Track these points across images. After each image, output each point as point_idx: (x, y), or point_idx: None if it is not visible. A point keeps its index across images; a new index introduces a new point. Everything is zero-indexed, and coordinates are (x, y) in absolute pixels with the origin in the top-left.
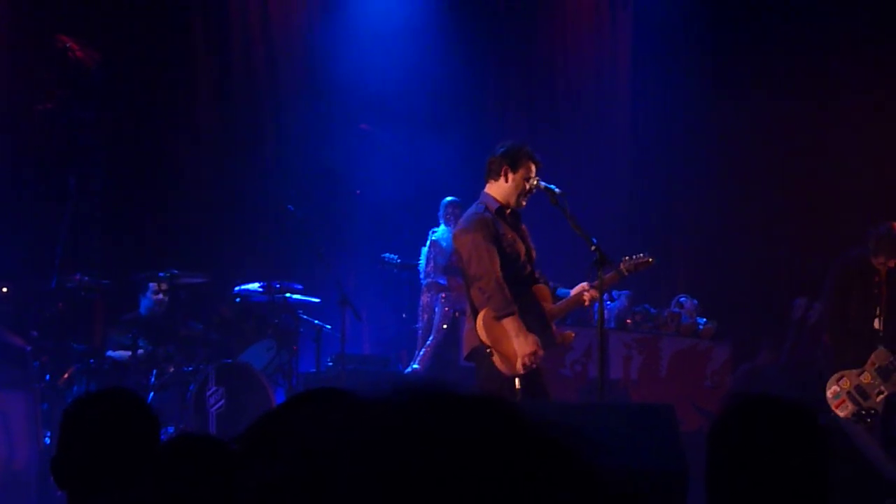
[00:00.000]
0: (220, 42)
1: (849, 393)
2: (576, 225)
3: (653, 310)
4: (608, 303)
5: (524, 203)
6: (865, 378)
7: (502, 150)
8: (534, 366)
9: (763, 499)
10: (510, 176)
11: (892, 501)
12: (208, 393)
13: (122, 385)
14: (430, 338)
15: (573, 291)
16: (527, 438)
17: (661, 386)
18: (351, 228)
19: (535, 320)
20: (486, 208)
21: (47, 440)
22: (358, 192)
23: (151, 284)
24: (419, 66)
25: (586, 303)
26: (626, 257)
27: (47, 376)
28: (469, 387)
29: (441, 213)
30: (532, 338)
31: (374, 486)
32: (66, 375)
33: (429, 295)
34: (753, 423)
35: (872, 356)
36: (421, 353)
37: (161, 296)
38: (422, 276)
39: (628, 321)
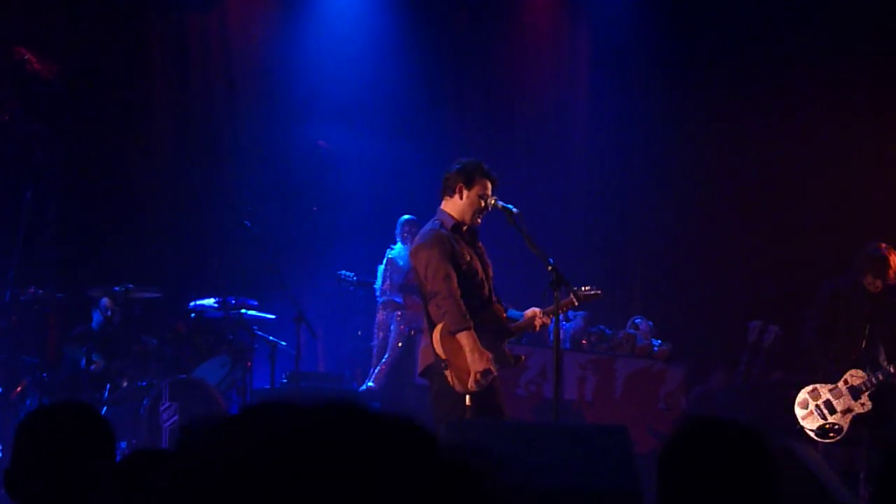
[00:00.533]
0: (177, 57)
1: (817, 406)
2: (532, 244)
3: (608, 331)
4: (564, 323)
5: (479, 220)
6: (836, 394)
7: (458, 166)
8: (486, 383)
9: None
10: (465, 193)
11: None
12: (162, 408)
13: (75, 399)
14: (386, 356)
15: (525, 315)
16: (435, 460)
17: (616, 407)
18: (307, 245)
19: (490, 339)
20: (442, 225)
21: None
22: (315, 208)
23: (104, 299)
24: (377, 84)
25: (537, 328)
26: (576, 288)
27: (0, 389)
28: (404, 409)
29: (398, 231)
30: (486, 355)
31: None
32: (18, 388)
33: (385, 313)
34: (703, 446)
35: (847, 374)
36: (376, 370)
37: (116, 311)
38: (378, 294)
39: (584, 342)
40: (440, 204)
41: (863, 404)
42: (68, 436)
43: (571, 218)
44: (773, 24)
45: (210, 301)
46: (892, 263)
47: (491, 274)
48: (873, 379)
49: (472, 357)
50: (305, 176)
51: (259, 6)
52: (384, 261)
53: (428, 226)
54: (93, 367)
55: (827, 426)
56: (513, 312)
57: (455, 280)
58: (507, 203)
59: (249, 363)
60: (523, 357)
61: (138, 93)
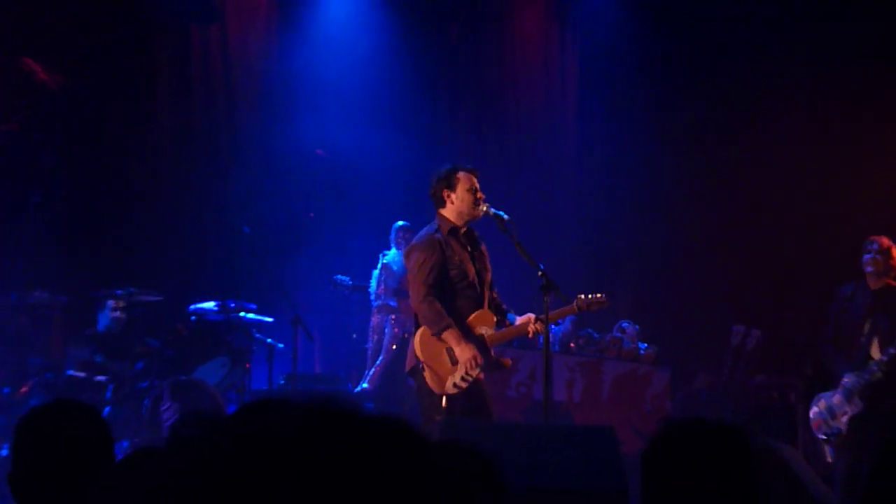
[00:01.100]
0: (179, 67)
1: (819, 414)
2: (523, 251)
3: (596, 334)
4: (553, 327)
5: (483, 209)
6: (837, 399)
7: (435, 177)
8: (472, 376)
9: None
10: (453, 196)
11: None
12: (163, 408)
13: (72, 398)
14: (380, 358)
15: (519, 321)
16: (426, 460)
17: (603, 409)
18: (304, 251)
19: (477, 341)
20: (439, 229)
21: (4, 451)
22: (311, 215)
23: (109, 302)
24: (372, 94)
25: (530, 335)
26: (583, 295)
27: (6, 389)
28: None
29: (392, 237)
30: (471, 345)
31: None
32: (24, 389)
33: (379, 316)
34: (686, 446)
35: (844, 378)
36: (370, 372)
37: (119, 313)
38: (372, 298)
39: (572, 345)
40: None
41: (855, 405)
42: (65, 434)
43: (561, 225)
44: (756, 43)
45: (210, 304)
46: (894, 257)
47: (488, 278)
48: (861, 380)
49: (460, 349)
50: (302, 183)
51: (258, 20)
52: (379, 266)
53: (425, 229)
54: (96, 367)
55: (831, 430)
56: (511, 317)
57: (433, 285)
58: (499, 210)
59: (248, 364)
60: (509, 361)
61: (141, 102)
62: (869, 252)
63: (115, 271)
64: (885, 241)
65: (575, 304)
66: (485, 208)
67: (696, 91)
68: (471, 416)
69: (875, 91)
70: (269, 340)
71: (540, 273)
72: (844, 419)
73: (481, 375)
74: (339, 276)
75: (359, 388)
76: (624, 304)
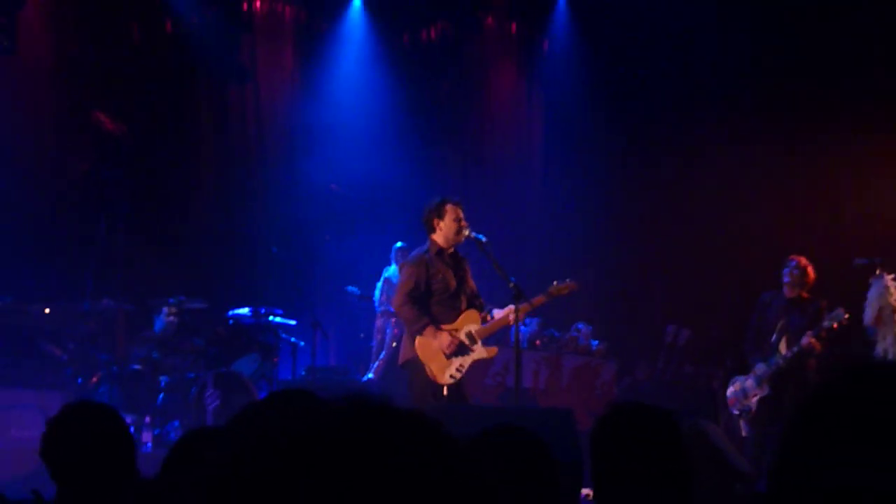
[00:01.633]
0: (220, 117)
1: (735, 393)
2: (498, 266)
3: (556, 333)
4: (522, 327)
5: (465, 234)
6: (749, 383)
7: (427, 208)
8: (463, 362)
9: (636, 486)
10: (441, 224)
11: (740, 486)
12: (206, 394)
13: (136, 388)
14: (382, 353)
15: (499, 314)
16: (443, 446)
17: (562, 394)
18: (321, 266)
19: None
20: (428, 250)
21: None
22: (327, 237)
23: (164, 308)
24: (377, 139)
25: (510, 321)
26: (555, 282)
27: (79, 380)
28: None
29: (392, 255)
30: (444, 333)
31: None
32: (94, 379)
33: (381, 320)
34: (627, 425)
35: (756, 367)
36: (374, 365)
37: (172, 318)
38: (376, 305)
39: (537, 342)
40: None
41: (763, 389)
42: (89, 427)
43: (528, 245)
44: (696, 98)
45: (245, 310)
46: (808, 273)
47: (469, 290)
48: (769, 369)
49: (439, 339)
50: (320, 212)
51: (284, 79)
52: (381, 279)
53: (417, 250)
54: (153, 362)
55: (743, 408)
56: (494, 311)
57: (412, 294)
58: (479, 234)
59: (276, 359)
60: (495, 349)
61: (188, 145)
62: (788, 267)
63: (168, 284)
64: (803, 260)
65: (549, 290)
66: (467, 233)
67: (638, 134)
68: (454, 402)
69: (795, 121)
70: (292, 339)
71: (511, 285)
72: (754, 400)
73: (489, 353)
74: (350, 287)
75: (365, 378)
76: (579, 308)
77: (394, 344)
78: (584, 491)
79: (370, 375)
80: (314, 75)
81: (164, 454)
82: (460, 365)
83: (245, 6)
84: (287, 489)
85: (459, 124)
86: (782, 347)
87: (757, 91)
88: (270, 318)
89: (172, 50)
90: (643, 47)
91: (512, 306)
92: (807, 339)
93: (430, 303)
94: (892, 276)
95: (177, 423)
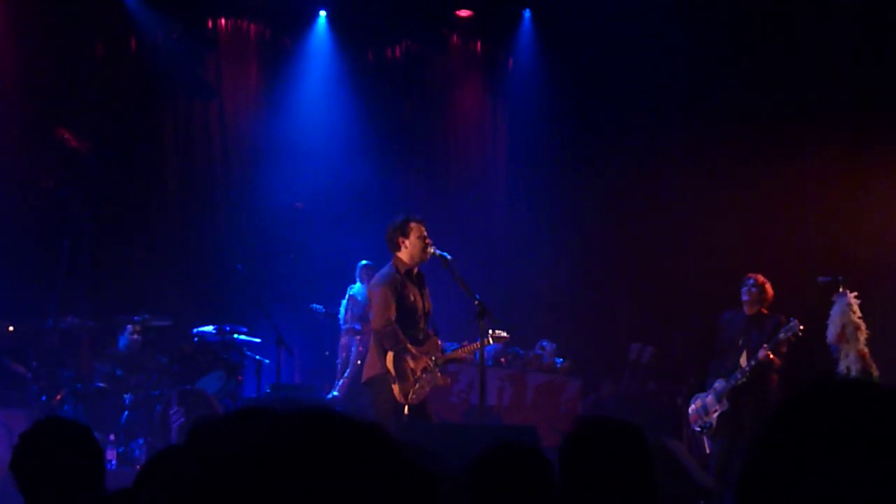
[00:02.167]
0: (184, 134)
1: (696, 410)
2: (463, 284)
3: (521, 351)
4: (487, 347)
5: (430, 252)
6: (710, 400)
7: (391, 227)
8: (425, 387)
9: (604, 499)
10: (406, 242)
11: (704, 502)
12: (171, 412)
13: (101, 406)
14: (347, 371)
15: (454, 353)
16: (398, 457)
17: (527, 411)
18: (286, 284)
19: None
20: (397, 270)
21: None
22: (292, 255)
23: (128, 326)
24: (340, 157)
25: (469, 355)
26: (492, 331)
27: (43, 397)
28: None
29: (357, 273)
30: (423, 357)
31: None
32: (58, 397)
33: (346, 337)
34: (596, 439)
35: (716, 383)
36: (339, 382)
37: (135, 335)
38: (341, 322)
39: (502, 360)
40: (391, 259)
41: (723, 405)
42: (57, 441)
43: (492, 260)
44: (656, 111)
45: (209, 328)
46: (767, 290)
47: (429, 312)
48: (728, 385)
49: (414, 363)
50: (285, 230)
51: (248, 97)
52: (346, 296)
53: (385, 269)
54: (117, 380)
55: (703, 424)
56: (447, 345)
57: (393, 313)
58: (443, 251)
59: (240, 377)
60: (448, 379)
61: (153, 163)
62: (746, 285)
63: (132, 301)
64: (760, 277)
65: (488, 337)
66: (432, 250)
67: (599, 151)
68: (419, 420)
69: (759, 138)
70: (257, 357)
71: (476, 302)
72: (715, 415)
73: (444, 382)
74: (315, 305)
75: (330, 396)
76: (544, 326)
77: (359, 361)
78: None
79: (335, 393)
80: (279, 92)
81: (133, 472)
82: (422, 388)
83: (210, 23)
84: (251, 498)
85: (424, 142)
86: (742, 362)
87: (721, 108)
88: (235, 335)
89: (137, 67)
90: (608, 64)
91: (475, 343)
92: (763, 353)
93: (398, 322)
94: (854, 293)
95: (141, 441)
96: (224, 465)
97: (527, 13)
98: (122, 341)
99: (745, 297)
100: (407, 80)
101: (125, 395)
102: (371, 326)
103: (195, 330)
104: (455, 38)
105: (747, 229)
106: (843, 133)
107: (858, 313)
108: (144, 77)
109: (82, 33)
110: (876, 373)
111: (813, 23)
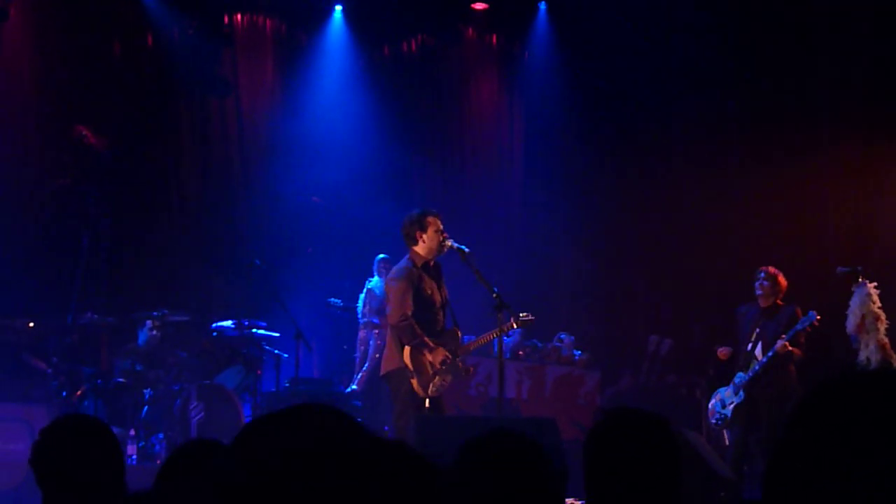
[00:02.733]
0: (201, 131)
1: (715, 404)
2: (480, 276)
3: (539, 344)
4: (505, 338)
5: (447, 245)
6: (727, 393)
7: (408, 220)
8: (446, 381)
9: (630, 492)
10: (424, 236)
11: (724, 495)
12: (190, 407)
13: (121, 401)
14: (366, 364)
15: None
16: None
17: (545, 404)
18: (304, 278)
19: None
20: (414, 264)
21: None
22: (310, 250)
23: (147, 322)
24: (360, 150)
25: (489, 339)
26: (517, 313)
27: (64, 393)
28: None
29: (374, 267)
30: (440, 349)
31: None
32: (78, 393)
33: (365, 331)
34: (620, 431)
35: (736, 376)
36: (358, 376)
37: (155, 331)
38: (359, 316)
39: (520, 353)
40: (408, 252)
41: (739, 396)
42: (76, 438)
43: (510, 252)
44: (670, 110)
45: (228, 322)
46: (780, 282)
47: (447, 302)
48: (746, 377)
49: (433, 355)
50: (302, 224)
51: (265, 93)
52: (364, 290)
53: (402, 263)
54: (137, 375)
55: (721, 417)
56: (466, 337)
57: (411, 310)
58: (461, 244)
59: (259, 371)
60: (472, 368)
61: (170, 159)
62: (758, 279)
63: (151, 297)
64: (772, 269)
65: (512, 320)
66: (449, 244)
67: (617, 148)
68: (436, 414)
69: (776, 131)
70: (276, 351)
71: (494, 295)
72: (731, 407)
73: (466, 374)
74: (333, 299)
75: (349, 389)
76: (562, 319)
77: (377, 355)
78: (568, 501)
79: (353, 387)
80: (295, 87)
81: (153, 467)
82: (443, 381)
83: (226, 19)
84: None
85: (440, 135)
86: (759, 354)
87: (737, 101)
88: (254, 330)
89: (154, 64)
90: (623, 58)
91: (494, 331)
92: (780, 343)
93: (416, 315)
94: (874, 283)
95: (161, 436)
96: (280, 464)
97: (542, 6)
98: (142, 337)
99: (758, 291)
100: (422, 74)
101: (145, 391)
102: (388, 321)
103: (214, 325)
104: (470, 31)
105: (766, 221)
106: (860, 126)
107: (878, 303)
108: (161, 74)
109: (99, 31)
110: None
111: (828, 21)
